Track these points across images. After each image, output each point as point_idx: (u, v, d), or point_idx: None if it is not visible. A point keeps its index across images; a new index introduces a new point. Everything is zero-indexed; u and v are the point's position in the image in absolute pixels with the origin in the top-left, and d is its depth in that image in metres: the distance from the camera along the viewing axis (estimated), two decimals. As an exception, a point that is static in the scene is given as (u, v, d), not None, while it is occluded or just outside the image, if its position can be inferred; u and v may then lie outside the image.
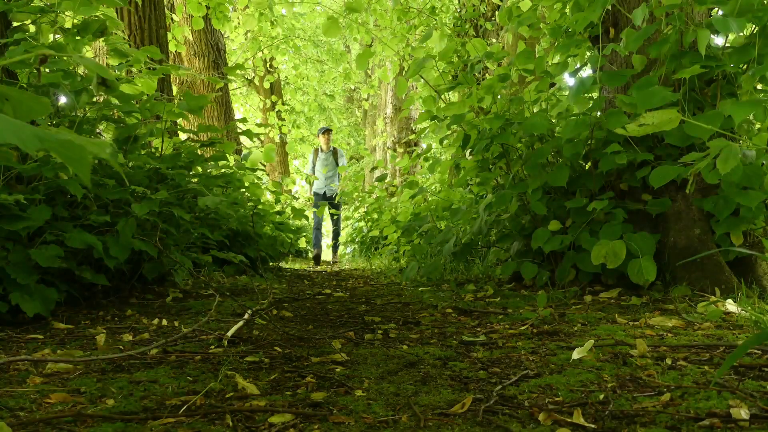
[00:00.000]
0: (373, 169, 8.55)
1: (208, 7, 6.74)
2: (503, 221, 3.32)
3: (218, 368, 1.44)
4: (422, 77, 3.42)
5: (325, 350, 1.67)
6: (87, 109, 2.68)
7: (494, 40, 7.69)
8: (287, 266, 6.35)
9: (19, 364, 1.46)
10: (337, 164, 8.20)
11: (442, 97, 3.68)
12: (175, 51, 7.20)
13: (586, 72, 2.88)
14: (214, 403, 1.17)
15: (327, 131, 8.26)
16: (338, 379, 1.34)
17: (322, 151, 8.24)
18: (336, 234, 8.59)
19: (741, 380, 1.22)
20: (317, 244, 8.07)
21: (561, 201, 2.86)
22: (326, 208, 7.50)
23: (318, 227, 8.13)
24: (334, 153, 8.27)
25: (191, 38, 7.56)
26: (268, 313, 2.34)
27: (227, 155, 3.50)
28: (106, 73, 1.25)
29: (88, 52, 2.83)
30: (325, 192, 8.19)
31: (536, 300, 2.39)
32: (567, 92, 3.50)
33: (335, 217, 8.32)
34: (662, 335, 1.72)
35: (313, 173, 8.27)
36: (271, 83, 12.06)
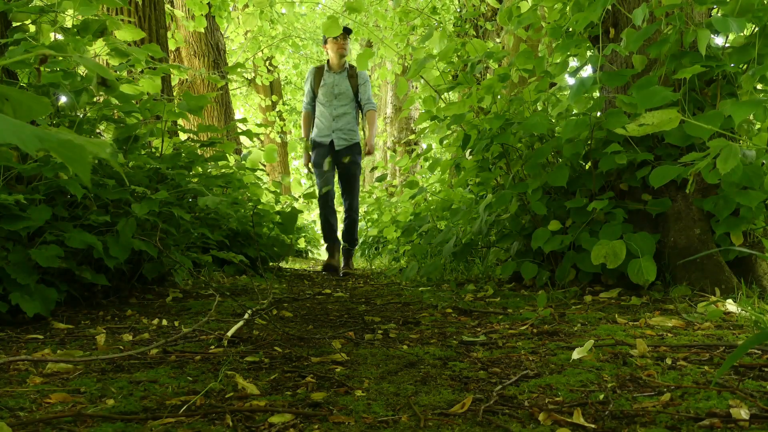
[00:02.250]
0: (373, 169, 7.72)
1: (210, 6, 6.75)
2: (503, 221, 3.32)
3: (218, 368, 1.44)
4: (422, 77, 3.42)
5: (325, 350, 1.67)
6: (87, 109, 2.68)
7: (492, 42, 7.70)
8: (287, 266, 6.35)
9: (19, 364, 1.46)
10: (357, 96, 4.76)
11: (442, 97, 3.69)
12: (175, 50, 7.21)
13: (586, 72, 2.88)
14: (214, 403, 1.17)
15: (344, 32, 4.64)
16: (338, 379, 1.34)
17: (329, 70, 4.78)
18: (350, 220, 4.87)
19: (741, 380, 1.22)
20: (330, 235, 4.81)
21: (561, 201, 2.86)
22: (336, 174, 4.79)
23: (327, 204, 4.75)
24: (352, 76, 4.76)
25: (191, 38, 7.56)
26: (268, 313, 2.34)
27: (227, 155, 3.50)
28: (106, 73, 1.25)
29: (96, 48, 2.83)
30: (332, 141, 4.71)
31: (536, 300, 2.39)
32: (567, 92, 3.50)
33: (349, 186, 4.80)
34: (662, 335, 1.72)
35: (312, 112, 4.85)
36: (270, 82, 12.07)
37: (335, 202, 5.03)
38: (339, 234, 4.99)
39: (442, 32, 3.71)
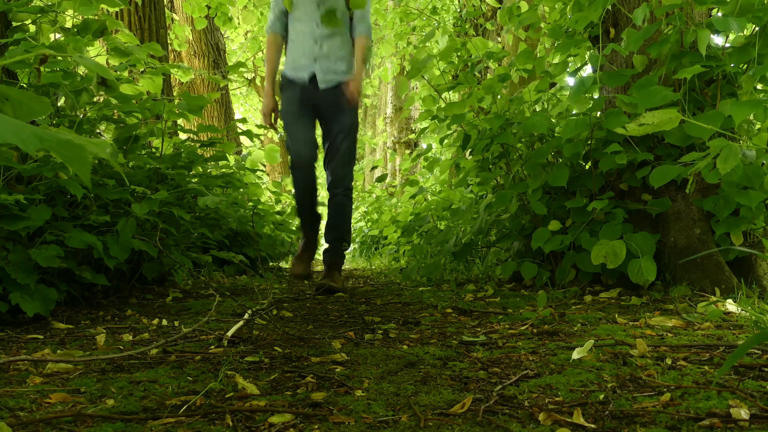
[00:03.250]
0: (374, 168, 7.57)
1: (208, 7, 6.75)
2: (503, 221, 3.32)
3: (218, 368, 1.44)
4: (423, 77, 3.42)
5: (325, 350, 1.67)
6: (87, 109, 2.68)
7: (492, 42, 7.69)
8: (287, 266, 6.35)
9: (19, 364, 1.46)
10: (349, 9, 3.18)
11: (443, 96, 3.69)
12: (175, 51, 7.21)
13: (587, 72, 2.88)
14: (214, 403, 1.17)
15: None
16: (338, 379, 1.34)
17: None
18: (337, 202, 3.21)
19: (741, 380, 1.22)
20: (308, 224, 3.30)
21: (561, 201, 2.86)
22: (314, 126, 3.21)
23: (307, 179, 3.18)
24: None
25: (191, 38, 7.56)
26: (268, 313, 2.34)
27: (227, 155, 3.50)
28: (106, 72, 1.25)
29: (93, 51, 2.84)
30: (313, 75, 3.14)
31: (536, 300, 2.39)
32: (567, 92, 3.50)
33: (336, 147, 3.18)
34: (662, 335, 1.72)
35: (282, 35, 3.25)
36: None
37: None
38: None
39: (443, 28, 3.71)
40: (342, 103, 3.15)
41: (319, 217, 3.36)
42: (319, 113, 3.22)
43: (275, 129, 3.34)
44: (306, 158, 3.16)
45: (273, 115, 3.25)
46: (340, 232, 3.26)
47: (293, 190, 3.24)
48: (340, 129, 3.18)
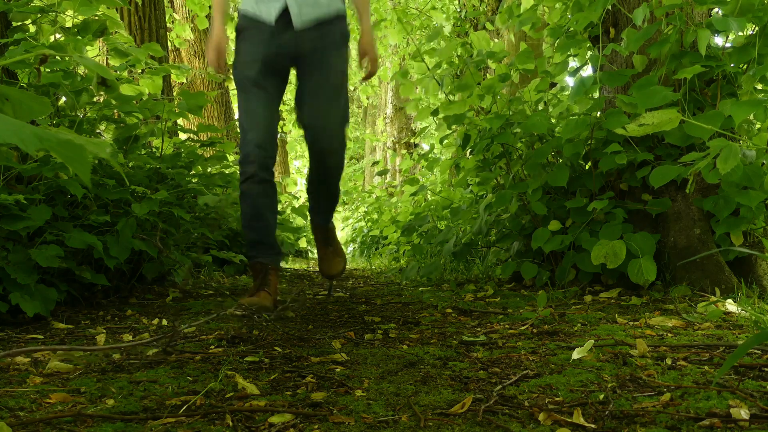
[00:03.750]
0: (374, 163, 7.33)
1: (210, 7, 6.75)
2: (503, 221, 3.32)
3: (218, 368, 1.44)
4: (427, 67, 3.41)
5: (325, 350, 1.67)
6: (87, 109, 2.69)
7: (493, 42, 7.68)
8: (287, 266, 6.35)
9: (19, 364, 1.46)
10: None
11: (445, 92, 3.68)
12: (175, 50, 7.21)
13: (587, 72, 2.88)
14: (214, 403, 1.17)
15: None
16: (338, 379, 1.34)
17: None
18: (323, 170, 2.29)
19: (741, 380, 1.22)
20: (259, 237, 2.21)
21: (561, 201, 2.86)
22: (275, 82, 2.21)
23: (257, 177, 2.13)
24: None
25: (191, 38, 7.56)
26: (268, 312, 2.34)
27: (227, 155, 3.51)
28: (106, 72, 1.25)
29: (92, 53, 2.84)
30: (285, 12, 2.10)
31: (536, 300, 2.39)
32: (568, 92, 3.51)
33: (320, 100, 2.15)
34: (662, 335, 1.72)
35: None
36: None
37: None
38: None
39: (446, 18, 3.71)
40: (329, 52, 2.18)
41: (271, 225, 2.28)
42: (297, 68, 2.24)
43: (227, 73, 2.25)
44: (259, 158, 2.16)
45: (222, 57, 2.21)
46: (332, 206, 2.54)
47: (240, 190, 2.21)
48: (324, 82, 2.18)
